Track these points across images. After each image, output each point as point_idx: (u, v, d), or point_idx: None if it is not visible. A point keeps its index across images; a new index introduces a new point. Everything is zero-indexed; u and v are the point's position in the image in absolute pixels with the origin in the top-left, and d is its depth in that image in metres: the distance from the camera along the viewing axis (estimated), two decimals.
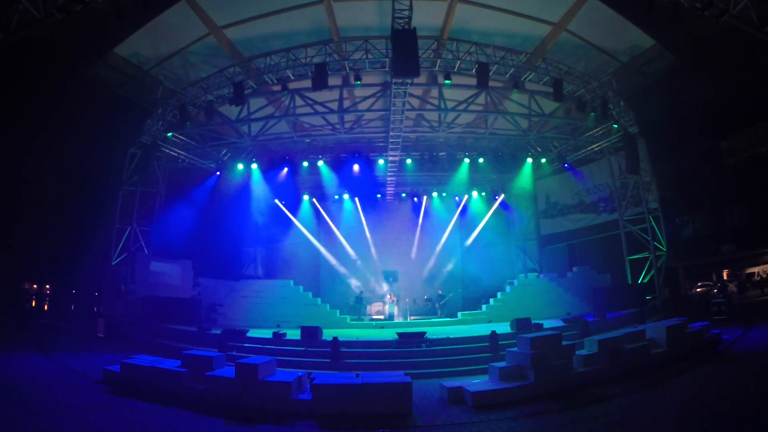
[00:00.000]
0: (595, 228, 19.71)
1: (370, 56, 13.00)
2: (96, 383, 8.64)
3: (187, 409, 7.12)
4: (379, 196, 22.01)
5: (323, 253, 21.40)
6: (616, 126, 16.01)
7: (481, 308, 16.75)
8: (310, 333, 10.80)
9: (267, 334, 11.76)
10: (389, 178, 20.37)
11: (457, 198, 22.19)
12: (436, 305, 18.59)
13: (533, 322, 11.74)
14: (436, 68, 13.65)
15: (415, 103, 16.09)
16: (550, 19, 13.18)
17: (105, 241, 15.85)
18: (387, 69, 13.13)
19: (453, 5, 12.54)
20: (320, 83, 12.75)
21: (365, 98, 15.25)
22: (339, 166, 19.16)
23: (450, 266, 21.68)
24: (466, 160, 19.16)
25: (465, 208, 22.20)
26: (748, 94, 15.29)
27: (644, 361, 8.92)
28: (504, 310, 15.64)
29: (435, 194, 22.03)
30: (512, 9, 12.82)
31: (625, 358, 8.73)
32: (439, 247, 21.61)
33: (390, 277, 20.22)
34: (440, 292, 19.30)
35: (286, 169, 19.19)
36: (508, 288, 17.24)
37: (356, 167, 18.74)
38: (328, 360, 9.80)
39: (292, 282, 16.84)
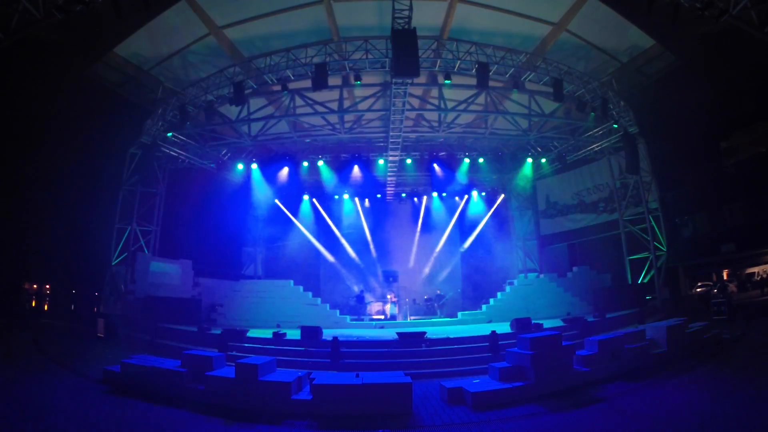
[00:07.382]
0: (595, 228, 19.69)
1: (370, 56, 13.00)
2: (96, 383, 8.63)
3: (187, 409, 7.11)
4: (379, 196, 21.98)
5: (323, 253, 21.39)
6: (616, 126, 16.01)
7: (481, 308, 16.73)
8: (310, 333, 10.77)
9: (267, 334, 11.74)
10: (389, 178, 20.38)
11: (457, 198, 22.21)
12: (436, 305, 18.60)
13: (533, 322, 11.72)
14: (436, 68, 13.65)
15: (415, 103, 16.09)
16: (550, 19, 13.20)
17: (105, 241, 15.83)
18: (387, 69, 13.12)
19: (453, 5, 12.54)
20: (320, 83, 12.75)
21: (365, 98, 15.23)
22: (339, 166, 19.21)
23: (450, 266, 21.69)
24: (466, 160, 19.14)
25: (465, 208, 22.21)
26: (749, 94, 15.31)
27: (644, 361, 8.92)
28: (504, 310, 15.63)
29: (435, 194, 22.04)
30: (512, 9, 12.83)
31: (625, 358, 8.72)
32: (439, 247, 21.62)
33: (390, 277, 20.21)
34: (439, 292, 19.32)
35: (286, 169, 19.24)
36: (508, 288, 17.20)
37: (356, 167, 18.78)
38: (328, 360, 9.77)
39: (292, 282, 16.79)
